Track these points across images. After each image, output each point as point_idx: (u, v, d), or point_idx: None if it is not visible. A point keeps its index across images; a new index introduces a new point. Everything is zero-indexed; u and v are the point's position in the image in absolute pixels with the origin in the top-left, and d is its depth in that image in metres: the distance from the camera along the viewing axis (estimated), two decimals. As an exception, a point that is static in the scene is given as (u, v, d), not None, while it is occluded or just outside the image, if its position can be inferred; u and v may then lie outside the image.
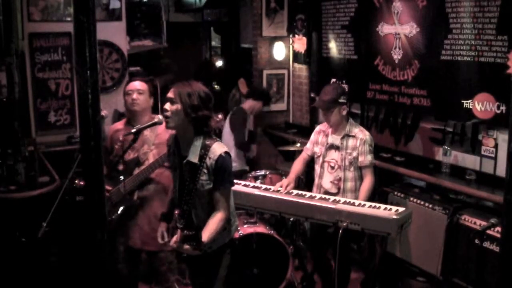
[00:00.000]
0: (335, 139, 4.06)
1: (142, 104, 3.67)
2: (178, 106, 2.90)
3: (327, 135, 4.12)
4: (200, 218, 3.01)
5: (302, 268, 4.61)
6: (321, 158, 4.13)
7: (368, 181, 3.94)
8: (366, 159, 3.95)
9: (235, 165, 5.21)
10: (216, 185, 2.95)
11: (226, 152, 2.97)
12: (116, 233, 3.66)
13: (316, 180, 4.18)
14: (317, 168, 4.17)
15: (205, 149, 2.93)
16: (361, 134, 4.00)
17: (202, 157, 2.92)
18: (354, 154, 3.97)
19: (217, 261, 3.08)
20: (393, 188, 4.31)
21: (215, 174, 2.93)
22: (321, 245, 4.23)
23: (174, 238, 2.98)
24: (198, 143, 2.94)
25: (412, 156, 4.68)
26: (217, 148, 2.94)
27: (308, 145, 4.28)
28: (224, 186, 2.97)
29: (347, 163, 3.99)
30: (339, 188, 4.02)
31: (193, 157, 2.93)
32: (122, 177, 3.58)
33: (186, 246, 2.83)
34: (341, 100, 3.97)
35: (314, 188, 4.19)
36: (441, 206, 3.84)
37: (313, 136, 4.26)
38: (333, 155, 4.07)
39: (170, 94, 2.95)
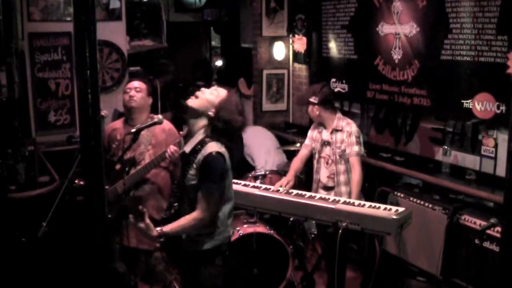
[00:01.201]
0: (326, 135, 4.20)
1: (139, 101, 3.68)
2: (214, 98, 2.88)
3: (320, 132, 4.24)
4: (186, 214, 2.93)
5: (302, 268, 4.61)
6: (317, 154, 4.27)
7: (356, 174, 4.02)
8: (353, 150, 4.05)
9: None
10: (199, 182, 2.84)
11: (219, 153, 2.83)
12: (112, 232, 3.66)
13: (314, 176, 4.32)
14: (315, 163, 4.31)
15: (201, 144, 2.87)
16: (347, 127, 4.12)
17: (195, 151, 2.87)
18: (343, 147, 4.09)
19: (196, 267, 2.94)
20: (393, 188, 4.31)
21: (200, 170, 2.83)
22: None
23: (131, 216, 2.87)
24: (198, 137, 2.90)
25: (412, 156, 4.68)
26: (211, 146, 2.85)
27: (307, 141, 4.38)
28: (207, 186, 2.82)
29: (337, 156, 4.12)
30: (334, 182, 4.15)
31: (188, 148, 2.90)
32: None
33: (142, 225, 2.74)
34: (311, 100, 4.14)
35: (314, 184, 4.31)
36: (441, 206, 3.84)
37: (309, 133, 4.39)
38: (326, 150, 4.21)
39: (217, 88, 2.95)
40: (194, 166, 2.86)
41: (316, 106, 4.14)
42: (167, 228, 2.78)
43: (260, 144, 5.56)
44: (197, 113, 2.91)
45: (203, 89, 2.94)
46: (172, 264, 3.87)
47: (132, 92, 3.68)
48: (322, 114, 4.17)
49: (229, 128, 2.90)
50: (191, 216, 2.84)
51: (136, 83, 3.73)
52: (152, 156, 3.61)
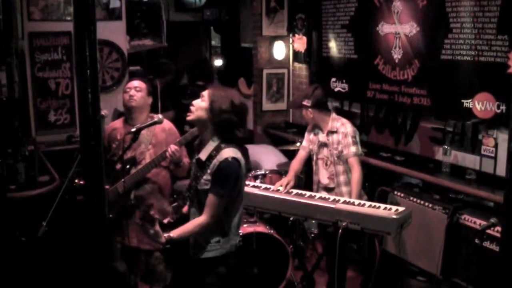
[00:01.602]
0: (322, 136, 4.20)
1: (139, 100, 3.68)
2: (205, 104, 2.87)
3: (316, 134, 4.24)
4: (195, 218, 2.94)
5: (302, 267, 4.61)
6: (315, 156, 4.27)
7: (355, 174, 4.02)
8: (350, 151, 4.04)
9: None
10: (211, 187, 2.84)
11: (235, 158, 2.83)
12: (113, 231, 3.66)
13: (314, 177, 4.32)
14: (313, 165, 4.31)
15: (217, 150, 2.85)
16: (342, 128, 4.11)
17: (211, 157, 2.86)
18: (340, 148, 4.09)
19: (200, 274, 2.95)
20: (393, 187, 4.31)
21: (213, 175, 2.83)
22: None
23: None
24: (213, 144, 2.88)
25: (412, 155, 4.68)
26: (227, 152, 2.83)
27: (304, 143, 4.39)
28: (217, 191, 2.81)
29: (335, 158, 4.12)
30: (335, 183, 4.16)
31: (203, 155, 2.89)
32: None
33: (152, 232, 2.77)
34: (304, 103, 4.13)
35: (314, 185, 4.32)
36: (441, 206, 3.84)
37: (306, 135, 4.38)
38: (324, 152, 4.20)
39: (203, 93, 2.93)
40: (209, 171, 2.86)
41: (310, 109, 4.13)
42: (175, 234, 2.81)
43: (268, 159, 5.54)
44: (201, 123, 2.92)
45: (193, 102, 2.94)
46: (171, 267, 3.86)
47: (132, 92, 3.68)
48: (316, 117, 4.16)
49: (231, 114, 2.86)
50: (197, 221, 2.86)
51: (135, 83, 3.73)
52: (153, 156, 3.61)
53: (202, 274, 2.95)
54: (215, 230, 2.89)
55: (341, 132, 4.09)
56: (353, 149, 4.04)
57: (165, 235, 2.79)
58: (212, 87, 3.01)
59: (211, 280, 2.93)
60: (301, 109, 4.28)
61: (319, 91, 4.21)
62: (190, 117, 2.92)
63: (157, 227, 2.79)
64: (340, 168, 4.12)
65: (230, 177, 2.83)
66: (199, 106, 2.89)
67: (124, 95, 3.72)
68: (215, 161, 2.83)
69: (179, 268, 3.16)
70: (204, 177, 2.87)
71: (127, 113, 3.78)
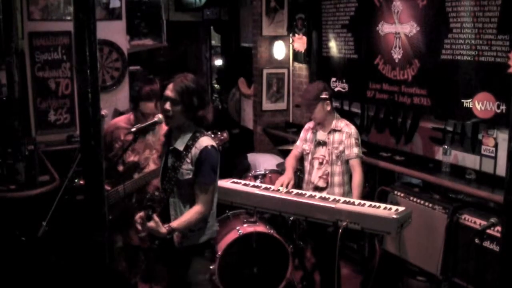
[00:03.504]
0: (322, 135, 4.13)
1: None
2: (180, 107, 2.90)
3: (314, 133, 4.18)
4: (180, 210, 2.98)
5: (302, 267, 4.61)
6: (309, 155, 4.18)
7: (357, 175, 3.98)
8: (353, 151, 4.00)
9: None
10: (196, 177, 2.92)
11: (213, 146, 2.97)
12: (112, 232, 3.66)
13: (306, 177, 4.24)
14: (307, 165, 4.23)
15: (193, 140, 2.95)
16: (346, 128, 4.06)
17: (188, 147, 2.94)
18: (341, 148, 4.03)
19: (186, 261, 3.03)
20: (393, 187, 4.30)
21: (196, 165, 2.91)
22: (320, 242, 4.25)
23: (139, 214, 2.91)
24: (188, 134, 2.97)
25: (412, 155, 4.68)
26: (205, 140, 2.96)
27: (298, 142, 4.34)
28: (205, 179, 2.93)
29: (334, 157, 4.05)
30: (327, 183, 4.07)
31: (180, 145, 2.95)
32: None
33: (151, 224, 2.78)
34: (322, 96, 4.05)
35: (304, 185, 4.24)
36: (441, 206, 3.84)
37: (302, 134, 4.32)
38: (321, 151, 4.13)
39: (171, 94, 2.91)
40: (189, 160, 2.93)
41: (327, 102, 4.04)
42: (175, 224, 2.85)
43: (266, 161, 5.54)
44: (182, 124, 2.97)
45: (166, 107, 2.93)
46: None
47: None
48: (330, 111, 4.06)
49: (202, 108, 2.96)
50: (194, 210, 2.92)
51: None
52: (156, 161, 3.61)
53: (187, 262, 3.03)
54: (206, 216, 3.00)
55: (345, 132, 4.03)
56: (355, 150, 3.99)
57: (166, 226, 2.82)
58: (175, 82, 2.94)
59: (199, 266, 3.04)
60: (313, 108, 4.06)
61: (328, 86, 4.20)
62: (172, 124, 2.97)
63: (156, 218, 2.80)
64: (337, 168, 4.04)
65: (211, 164, 2.94)
66: (178, 111, 2.91)
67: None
68: (195, 150, 2.92)
69: (164, 261, 3.20)
70: (184, 166, 2.93)
71: (141, 119, 3.66)
